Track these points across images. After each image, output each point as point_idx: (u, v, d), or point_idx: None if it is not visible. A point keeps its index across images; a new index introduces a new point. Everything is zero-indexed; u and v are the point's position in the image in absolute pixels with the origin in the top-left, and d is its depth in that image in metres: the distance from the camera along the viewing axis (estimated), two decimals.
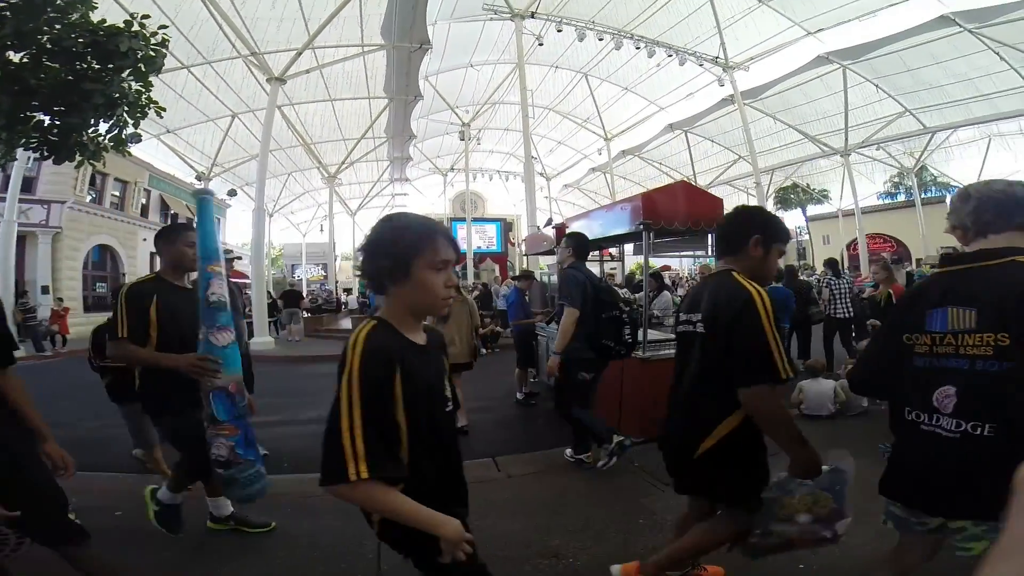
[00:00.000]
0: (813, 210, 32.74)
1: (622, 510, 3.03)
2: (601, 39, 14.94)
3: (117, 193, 19.89)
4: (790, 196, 31.15)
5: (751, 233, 1.81)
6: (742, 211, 1.98)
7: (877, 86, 16.62)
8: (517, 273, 26.50)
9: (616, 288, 3.72)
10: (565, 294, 3.59)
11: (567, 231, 5.86)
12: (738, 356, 1.62)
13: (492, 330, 11.60)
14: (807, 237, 34.28)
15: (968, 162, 21.51)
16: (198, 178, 21.56)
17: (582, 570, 2.41)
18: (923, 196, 24.03)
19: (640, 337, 4.37)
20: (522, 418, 5.66)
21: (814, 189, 29.19)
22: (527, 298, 7.06)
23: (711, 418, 1.73)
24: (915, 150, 20.67)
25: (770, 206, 27.36)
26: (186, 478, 2.61)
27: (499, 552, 2.56)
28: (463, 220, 25.29)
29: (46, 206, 15.89)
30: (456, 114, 20.72)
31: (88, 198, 17.87)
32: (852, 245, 25.71)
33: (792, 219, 36.93)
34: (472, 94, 20.48)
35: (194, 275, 2.50)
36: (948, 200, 26.23)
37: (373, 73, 16.77)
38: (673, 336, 5.17)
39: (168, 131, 17.32)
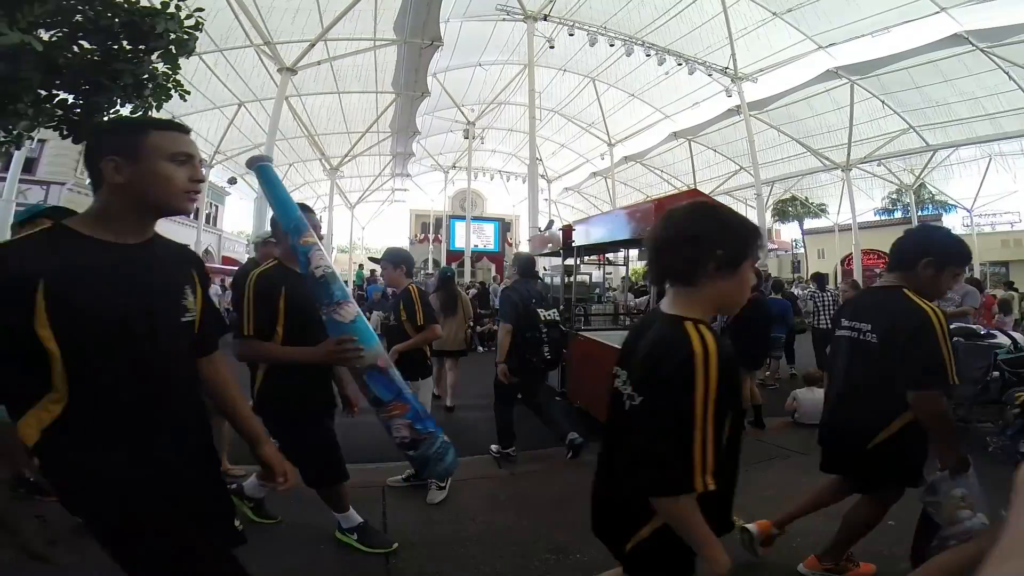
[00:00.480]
0: (810, 223, 32.93)
1: None
2: (612, 45, 14.98)
3: None
4: (788, 209, 31.32)
5: (924, 255, 1.95)
6: (920, 231, 2.19)
7: (883, 102, 16.73)
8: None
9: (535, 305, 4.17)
10: (501, 312, 4.22)
11: (529, 247, 6.02)
12: (915, 365, 1.82)
13: (491, 328, 11.61)
14: (802, 250, 34.47)
15: (967, 180, 21.71)
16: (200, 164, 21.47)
17: (589, 565, 2.43)
18: (920, 214, 24.21)
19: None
20: (521, 416, 5.66)
21: (812, 203, 29.37)
22: None
23: (887, 414, 1.94)
24: (915, 167, 20.83)
25: (768, 218, 27.52)
26: (328, 490, 2.48)
27: (506, 547, 2.59)
28: (462, 218, 25.28)
29: (45, 187, 15.79)
30: (462, 112, 20.74)
31: (88, 180, 17.76)
32: (847, 260, 25.87)
33: (789, 232, 37.16)
34: (479, 93, 20.50)
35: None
36: (944, 219, 26.55)
37: (383, 67, 16.76)
38: None
39: (173, 117, 17.19)
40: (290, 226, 1.97)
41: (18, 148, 3.23)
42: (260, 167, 1.99)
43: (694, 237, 1.18)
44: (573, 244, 6.13)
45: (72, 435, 1.08)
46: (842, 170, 19.86)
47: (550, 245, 7.32)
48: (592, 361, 5.18)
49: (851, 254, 21.96)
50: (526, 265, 4.62)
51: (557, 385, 6.10)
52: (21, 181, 12.88)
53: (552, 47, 14.58)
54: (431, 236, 33.76)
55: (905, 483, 2.06)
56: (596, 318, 6.75)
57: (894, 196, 26.95)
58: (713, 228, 1.18)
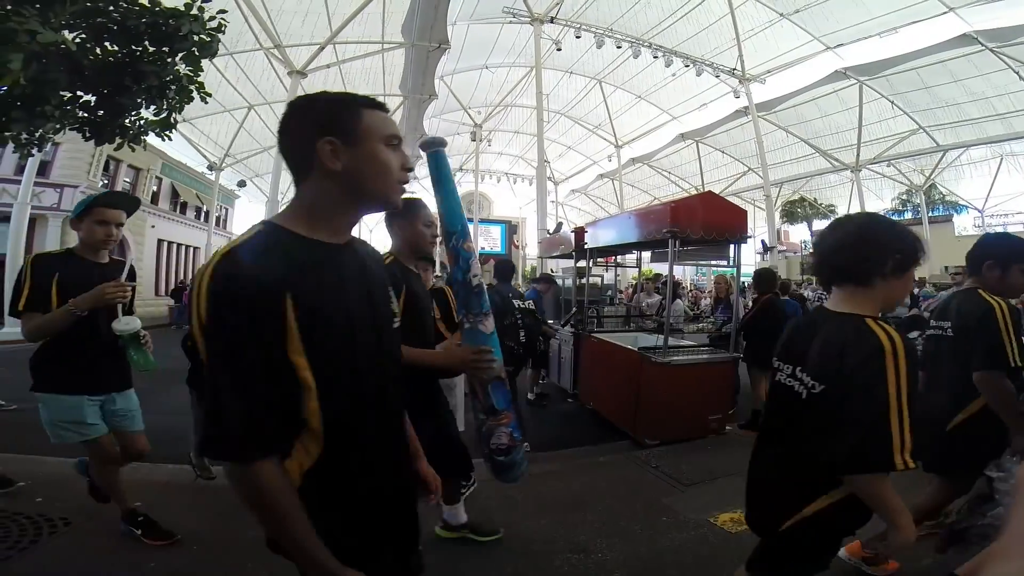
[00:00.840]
0: (819, 225, 32.71)
1: (644, 509, 3.05)
2: (619, 47, 14.98)
3: (129, 180, 19.93)
4: (797, 210, 31.12)
5: (986, 258, 2.19)
6: (984, 237, 2.38)
7: (893, 102, 16.61)
8: (521, 275, 26.54)
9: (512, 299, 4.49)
10: None
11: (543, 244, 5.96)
12: (980, 348, 2.03)
13: None
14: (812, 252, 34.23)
15: (978, 181, 21.48)
16: (210, 168, 21.65)
17: (612, 565, 2.43)
18: (930, 215, 23.99)
19: (660, 343, 4.60)
20: (535, 418, 5.67)
21: (821, 204, 29.17)
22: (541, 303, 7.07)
23: (964, 397, 2.13)
24: (926, 168, 20.64)
25: (776, 219, 27.34)
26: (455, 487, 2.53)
27: (528, 547, 2.58)
28: (469, 220, 25.28)
29: (59, 190, 15.93)
30: (469, 115, 20.81)
31: (100, 184, 17.92)
32: None
33: (798, 233, 36.94)
34: (486, 96, 20.57)
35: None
36: (955, 219, 26.29)
37: (390, 70, 16.87)
38: (688, 344, 5.30)
39: (184, 120, 17.38)
40: (458, 227, 1.86)
41: (40, 150, 3.26)
42: (436, 153, 1.83)
43: (876, 242, 1.36)
44: (585, 246, 6.13)
45: (331, 481, 0.92)
46: (851, 171, 19.74)
47: (561, 247, 7.33)
48: (604, 363, 5.17)
49: None
50: (503, 270, 5.18)
51: (569, 387, 6.09)
52: (35, 184, 13.05)
53: (559, 49, 14.61)
54: (437, 239, 33.76)
55: (980, 467, 2.09)
56: (608, 320, 6.73)
57: (904, 197, 26.69)
58: (892, 235, 1.36)
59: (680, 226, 4.41)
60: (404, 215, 2.18)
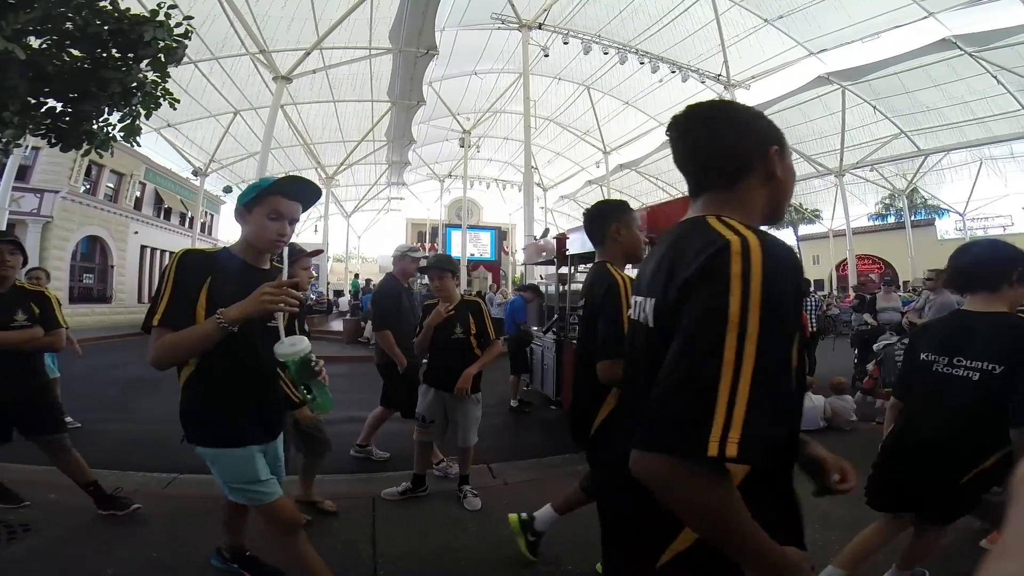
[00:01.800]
0: (804, 230, 33.11)
1: None
2: (606, 53, 15.09)
3: (112, 185, 19.67)
4: None
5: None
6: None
7: (875, 107, 16.89)
8: (511, 281, 26.51)
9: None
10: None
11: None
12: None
13: None
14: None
15: (959, 184, 21.87)
16: (195, 173, 21.44)
17: None
18: (913, 219, 24.39)
19: None
20: (517, 425, 5.64)
21: (806, 209, 29.54)
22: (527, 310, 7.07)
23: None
24: (907, 172, 20.99)
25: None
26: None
27: (499, 558, 2.55)
28: (459, 227, 25.28)
29: (39, 195, 15.68)
30: (457, 121, 20.81)
31: (82, 188, 17.67)
32: (841, 266, 25.98)
33: (783, 238, 37.23)
34: (474, 102, 20.59)
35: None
36: (937, 223, 26.73)
37: (378, 76, 16.83)
38: None
39: (168, 125, 17.24)
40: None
41: (6, 156, 3.19)
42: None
43: (1007, 259, 1.83)
44: (568, 253, 6.12)
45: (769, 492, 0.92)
46: (835, 176, 20.01)
47: (544, 254, 7.32)
48: None
49: (846, 260, 22.08)
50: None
51: (552, 394, 6.07)
52: (15, 189, 12.85)
53: (547, 55, 14.68)
54: (427, 245, 33.78)
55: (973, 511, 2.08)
56: None
57: (887, 201, 27.12)
58: (1015, 253, 1.82)
59: (658, 231, 4.42)
60: (617, 215, 2.15)
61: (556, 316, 6.38)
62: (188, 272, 1.59)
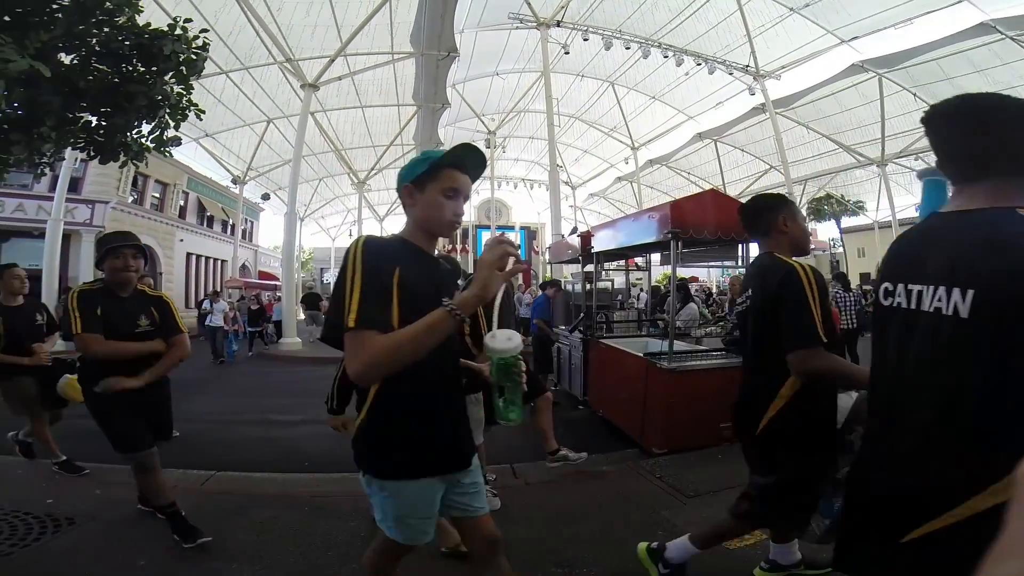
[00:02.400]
0: (848, 222, 31.80)
1: (640, 522, 2.96)
2: (628, 48, 14.87)
3: (157, 195, 20.65)
4: (823, 207, 30.30)
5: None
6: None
7: (915, 95, 16.10)
8: (541, 281, 26.48)
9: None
10: None
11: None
12: None
13: None
14: (841, 250, 33.29)
15: None
16: (234, 181, 22.27)
17: None
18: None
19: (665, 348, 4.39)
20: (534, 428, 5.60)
21: (849, 200, 28.36)
22: (550, 307, 7.02)
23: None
24: None
25: None
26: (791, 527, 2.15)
27: (514, 559, 2.53)
28: (488, 227, 25.40)
29: (90, 206, 16.61)
30: (482, 122, 20.92)
31: (130, 199, 18.61)
32: None
33: (826, 231, 35.97)
34: (498, 102, 20.66)
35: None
36: None
37: (402, 81, 17.09)
38: (699, 348, 5.14)
39: (206, 135, 17.96)
40: None
41: (52, 169, 3.39)
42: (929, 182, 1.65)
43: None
44: (592, 250, 6.05)
45: None
46: (877, 165, 19.14)
47: (570, 251, 7.26)
48: (612, 369, 5.09)
49: None
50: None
51: (580, 393, 6.01)
52: (68, 200, 13.63)
53: (567, 53, 14.57)
54: (459, 247, 34.09)
55: None
56: (619, 325, 6.62)
57: None
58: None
59: (682, 227, 4.31)
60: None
61: (583, 314, 6.31)
62: (379, 261, 1.29)
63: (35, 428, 3.79)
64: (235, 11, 11.88)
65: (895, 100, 16.51)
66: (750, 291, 1.99)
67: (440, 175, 1.41)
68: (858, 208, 28.61)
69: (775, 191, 18.89)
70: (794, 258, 1.90)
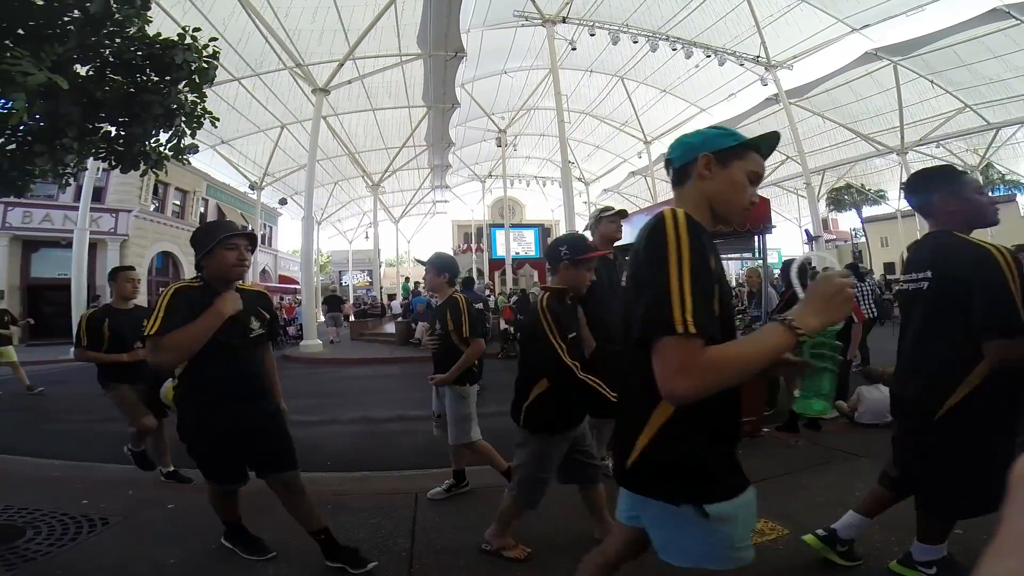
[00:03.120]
0: (869, 211, 31.15)
1: None
2: (636, 42, 14.74)
3: (178, 202, 21.16)
4: (844, 197, 29.73)
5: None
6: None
7: (932, 82, 15.75)
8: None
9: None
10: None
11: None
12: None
13: None
14: (863, 239, 32.63)
15: None
16: (251, 187, 22.66)
17: (630, 574, 2.34)
18: (991, 195, 22.45)
19: None
20: None
21: (869, 189, 27.77)
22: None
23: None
24: (979, 147, 19.38)
25: (822, 207, 26.24)
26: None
27: (542, 555, 2.51)
28: (501, 226, 25.45)
29: (114, 215, 17.10)
30: (492, 121, 20.94)
31: (152, 207, 19.09)
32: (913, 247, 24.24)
33: (847, 221, 35.32)
34: (507, 100, 20.64)
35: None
36: (1019, 199, 24.47)
37: (412, 82, 17.20)
38: None
39: (222, 141, 18.33)
40: None
41: (75, 180, 3.51)
42: None
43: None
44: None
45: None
46: (897, 154, 18.74)
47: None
48: None
49: (917, 240, 20.59)
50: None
51: None
52: (92, 209, 14.03)
53: (574, 49, 14.50)
54: (473, 246, 34.21)
55: None
56: None
57: None
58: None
59: None
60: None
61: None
62: (707, 250, 1.07)
63: (142, 435, 3.73)
64: (243, 18, 12.06)
65: (912, 87, 16.18)
66: (929, 272, 1.89)
67: (747, 155, 1.25)
68: (879, 197, 28.02)
69: (794, 178, 18.59)
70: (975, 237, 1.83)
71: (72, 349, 3.72)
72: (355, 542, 2.64)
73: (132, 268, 3.86)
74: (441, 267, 3.31)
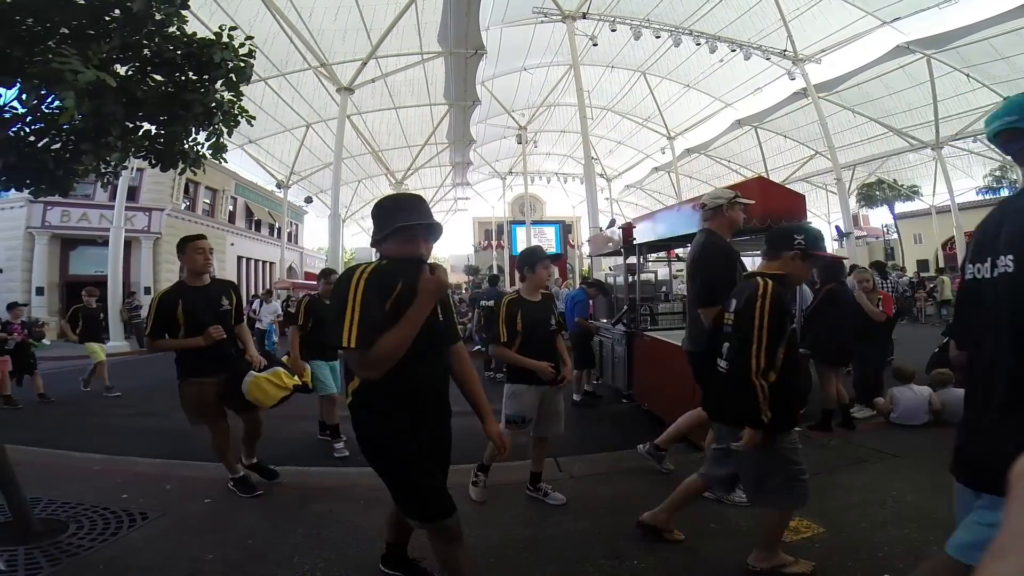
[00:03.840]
0: (902, 207, 30.13)
1: (691, 514, 2.89)
2: (658, 36, 14.54)
3: (208, 200, 21.67)
4: (875, 193, 28.79)
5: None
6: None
7: (968, 75, 15.17)
8: (578, 274, 26.27)
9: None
10: None
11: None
12: None
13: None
14: (896, 236, 31.62)
15: None
16: (278, 186, 23.10)
17: (645, 573, 2.33)
18: None
19: None
20: (583, 419, 5.58)
21: (902, 185, 26.87)
22: (591, 305, 6.96)
23: None
24: None
25: (852, 203, 25.51)
26: None
27: (561, 551, 2.53)
28: (522, 223, 25.42)
29: (148, 213, 17.59)
30: (512, 118, 20.92)
31: (183, 205, 19.59)
32: (948, 244, 23.48)
33: (879, 217, 34.25)
34: (528, 97, 20.61)
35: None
36: None
37: (433, 80, 17.29)
38: None
39: (250, 141, 18.70)
40: None
41: (116, 178, 3.59)
42: None
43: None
44: (635, 242, 5.96)
45: None
46: (932, 149, 18.13)
47: (610, 244, 7.16)
48: (657, 362, 4.99)
49: (952, 237, 19.93)
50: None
51: (623, 387, 5.94)
52: (127, 208, 14.46)
53: (595, 44, 14.37)
54: (494, 243, 34.30)
55: None
56: (664, 317, 6.48)
57: (997, 173, 24.12)
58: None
59: None
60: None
61: (626, 307, 6.21)
62: None
63: (214, 440, 3.23)
64: (268, 19, 12.26)
65: (946, 81, 15.66)
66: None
67: None
68: (912, 193, 27.10)
69: (823, 173, 18.08)
70: None
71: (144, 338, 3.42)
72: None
73: (203, 237, 3.34)
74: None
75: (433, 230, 1.81)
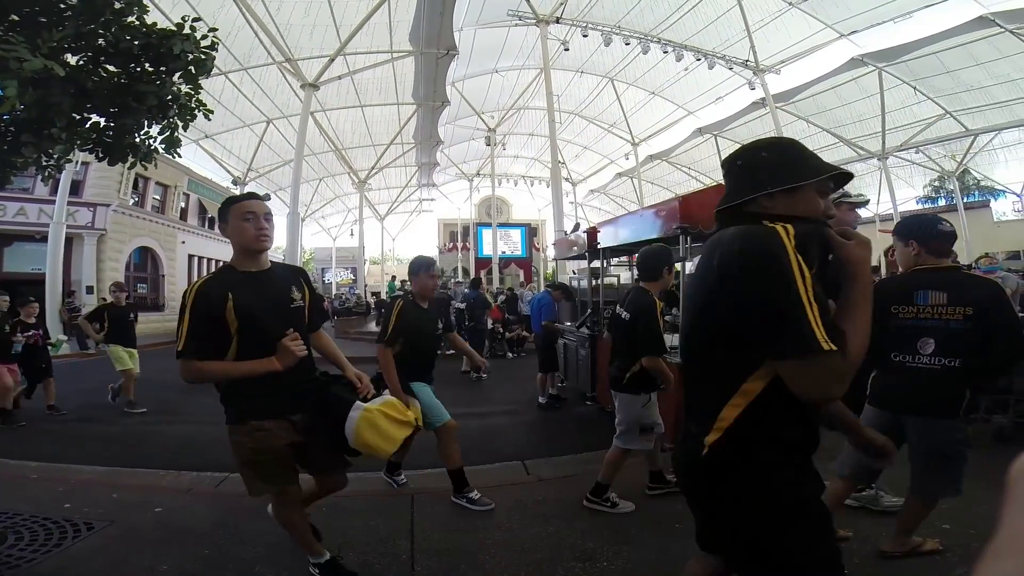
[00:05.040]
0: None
1: (657, 515, 2.96)
2: (628, 43, 14.84)
3: (158, 197, 20.63)
4: None
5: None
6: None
7: (915, 88, 16.12)
8: (543, 277, 26.48)
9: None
10: None
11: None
12: None
13: (519, 335, 11.59)
14: None
15: (1015, 164, 20.60)
16: (234, 182, 22.26)
17: (617, 573, 2.36)
18: (965, 200, 23.10)
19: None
20: (548, 422, 5.62)
21: (851, 194, 28.29)
22: (556, 308, 7.03)
23: None
24: (957, 153, 19.94)
25: None
26: None
27: (532, 555, 2.54)
28: (489, 225, 25.41)
29: (92, 208, 16.58)
30: (482, 119, 20.88)
31: (131, 201, 18.59)
32: (891, 251, 24.82)
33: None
34: (498, 99, 20.60)
35: None
36: (992, 205, 25.19)
37: (402, 79, 17.05)
38: None
39: (206, 136, 17.94)
40: None
41: (59, 172, 3.38)
42: None
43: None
44: (599, 246, 6.05)
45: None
46: (878, 159, 19.16)
47: (575, 248, 7.25)
48: None
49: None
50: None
51: (588, 389, 6.02)
52: (69, 203, 13.62)
53: (567, 49, 14.56)
54: (459, 244, 34.12)
55: None
56: None
57: (936, 183, 25.79)
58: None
59: (691, 221, 4.31)
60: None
61: (590, 311, 6.30)
62: None
63: (281, 510, 2.22)
64: (233, 11, 11.82)
65: (895, 93, 16.53)
66: None
67: None
68: (861, 202, 28.52)
69: None
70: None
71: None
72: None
73: (255, 196, 2.23)
74: None
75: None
